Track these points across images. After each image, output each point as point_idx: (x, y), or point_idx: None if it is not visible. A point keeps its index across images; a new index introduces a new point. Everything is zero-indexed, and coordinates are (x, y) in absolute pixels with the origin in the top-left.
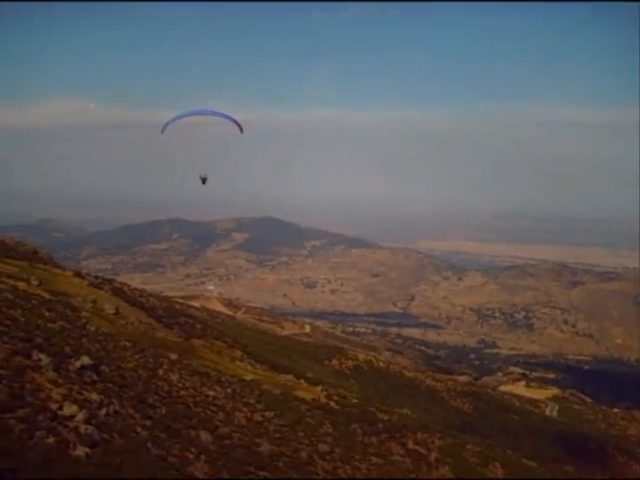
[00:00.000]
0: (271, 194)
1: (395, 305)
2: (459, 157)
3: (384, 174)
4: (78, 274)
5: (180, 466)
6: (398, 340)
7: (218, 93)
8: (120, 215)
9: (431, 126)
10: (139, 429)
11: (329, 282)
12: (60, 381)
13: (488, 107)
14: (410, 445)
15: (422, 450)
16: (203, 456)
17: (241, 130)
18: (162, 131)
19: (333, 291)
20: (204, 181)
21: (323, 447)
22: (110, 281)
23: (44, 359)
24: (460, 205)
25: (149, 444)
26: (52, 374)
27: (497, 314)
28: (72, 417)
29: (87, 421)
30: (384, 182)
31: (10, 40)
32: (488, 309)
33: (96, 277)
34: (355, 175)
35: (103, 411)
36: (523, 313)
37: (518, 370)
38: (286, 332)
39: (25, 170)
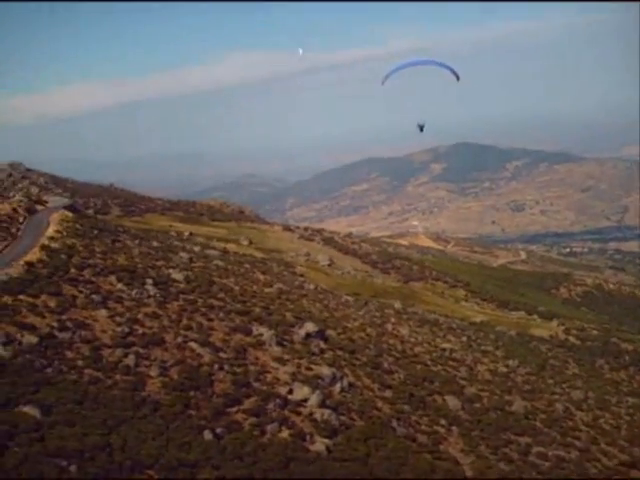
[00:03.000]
0: (461, 119)
1: (609, 219)
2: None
3: (569, 83)
4: (287, 228)
5: (432, 446)
6: (617, 256)
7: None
8: (318, 162)
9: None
10: (379, 403)
11: (537, 203)
12: (286, 357)
13: None
14: None
15: None
16: (455, 428)
17: (457, 78)
18: (383, 82)
19: (543, 212)
20: (421, 129)
21: (577, 394)
22: (320, 231)
23: (265, 333)
24: None
25: (394, 422)
26: (276, 350)
27: None
28: (305, 401)
29: (322, 404)
30: (571, 91)
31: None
32: None
33: (305, 229)
34: (542, 88)
35: (337, 387)
36: None
37: None
38: (501, 261)
39: (222, 129)
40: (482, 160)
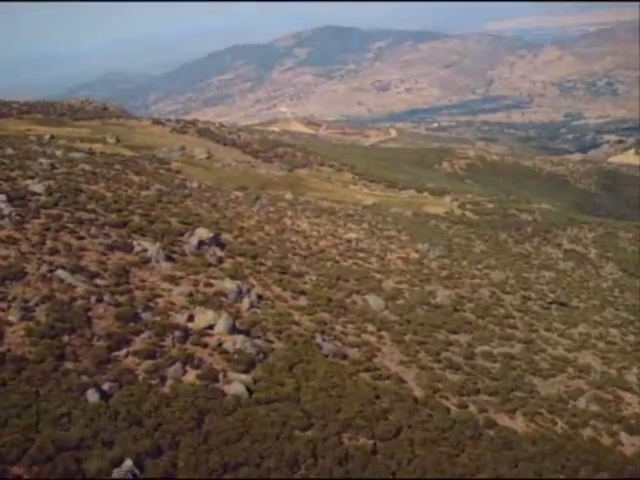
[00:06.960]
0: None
1: (474, 92)
2: None
3: None
4: (157, 122)
5: (367, 361)
6: (485, 127)
7: None
8: (182, 53)
9: None
10: (296, 315)
11: (402, 81)
12: (178, 274)
13: None
14: (566, 245)
15: (579, 248)
16: (385, 333)
17: None
18: None
19: (408, 90)
20: None
21: (497, 275)
22: (193, 122)
23: (150, 247)
24: None
25: (318, 338)
26: (165, 266)
27: (578, 85)
28: (210, 328)
29: (231, 329)
30: None
31: None
32: (568, 81)
33: (178, 121)
34: None
35: (245, 303)
36: (605, 80)
37: (613, 138)
38: (372, 140)
39: (80, 28)
40: (346, 43)
